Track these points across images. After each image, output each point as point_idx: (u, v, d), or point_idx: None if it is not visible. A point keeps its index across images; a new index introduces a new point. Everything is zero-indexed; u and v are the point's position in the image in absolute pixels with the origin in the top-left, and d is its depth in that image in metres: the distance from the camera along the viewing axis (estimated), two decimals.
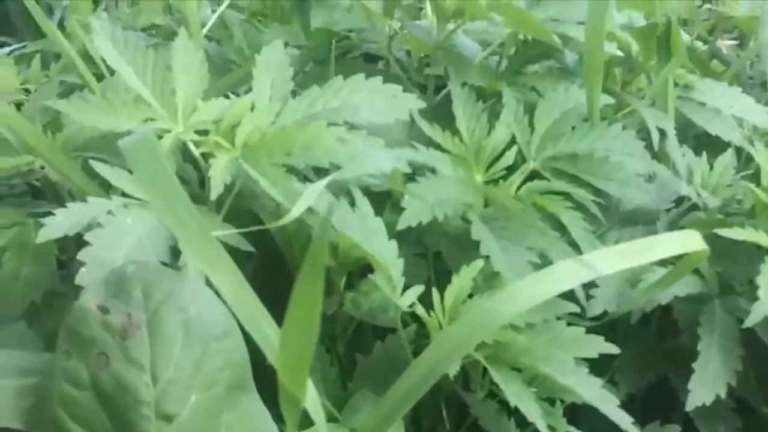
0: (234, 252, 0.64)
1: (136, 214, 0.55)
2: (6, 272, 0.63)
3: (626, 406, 0.56)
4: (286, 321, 0.40)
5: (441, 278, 0.62)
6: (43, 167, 0.65)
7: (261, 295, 0.46)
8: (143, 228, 0.55)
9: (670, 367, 0.69)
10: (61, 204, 0.56)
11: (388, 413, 0.50)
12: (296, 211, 0.51)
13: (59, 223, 0.53)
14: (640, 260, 0.52)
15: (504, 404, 0.60)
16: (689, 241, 0.54)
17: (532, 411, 0.53)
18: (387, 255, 0.55)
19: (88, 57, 0.75)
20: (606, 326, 0.63)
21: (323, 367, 0.61)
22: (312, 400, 0.42)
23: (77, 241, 0.55)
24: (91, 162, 0.57)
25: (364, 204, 0.57)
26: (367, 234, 0.55)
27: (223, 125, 0.61)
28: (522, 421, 0.58)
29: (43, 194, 0.72)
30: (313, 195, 0.52)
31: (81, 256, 0.51)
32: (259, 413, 0.51)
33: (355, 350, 0.66)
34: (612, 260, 0.51)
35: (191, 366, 0.49)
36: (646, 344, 0.70)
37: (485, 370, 0.60)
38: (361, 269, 0.64)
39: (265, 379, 0.51)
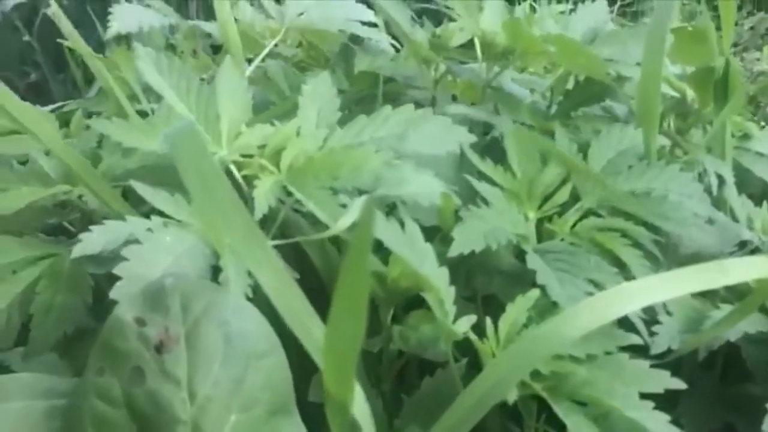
0: None
1: (176, 233, 0.53)
2: (39, 302, 0.60)
3: None
4: (330, 317, 0.37)
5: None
6: (81, 196, 0.63)
7: None
8: (182, 246, 0.52)
9: (736, 414, 0.64)
10: None
11: None
12: (343, 223, 0.49)
13: (95, 239, 0.51)
14: (709, 284, 0.49)
15: None
16: (762, 267, 0.50)
17: None
18: (439, 280, 0.52)
19: (131, 97, 0.74)
20: (669, 367, 0.58)
21: (367, 394, 0.57)
22: (360, 407, 0.39)
23: (110, 279, 0.52)
24: (132, 182, 0.55)
25: (413, 227, 0.54)
26: (419, 257, 0.52)
27: (267, 150, 0.59)
28: None
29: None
30: (359, 208, 0.49)
31: (117, 270, 0.49)
32: None
33: (400, 391, 0.62)
34: (678, 283, 0.48)
35: (231, 383, 0.45)
36: (712, 388, 0.66)
37: (540, 409, 0.57)
38: (408, 304, 0.61)
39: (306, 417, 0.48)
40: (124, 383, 0.45)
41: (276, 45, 0.87)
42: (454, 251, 0.56)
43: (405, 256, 0.50)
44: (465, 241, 0.56)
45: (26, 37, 1.47)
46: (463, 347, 0.58)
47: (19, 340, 0.62)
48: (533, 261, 0.58)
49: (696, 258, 0.71)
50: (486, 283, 0.66)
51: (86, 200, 0.63)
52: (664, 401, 0.54)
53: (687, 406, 0.61)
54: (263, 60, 0.82)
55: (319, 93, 0.64)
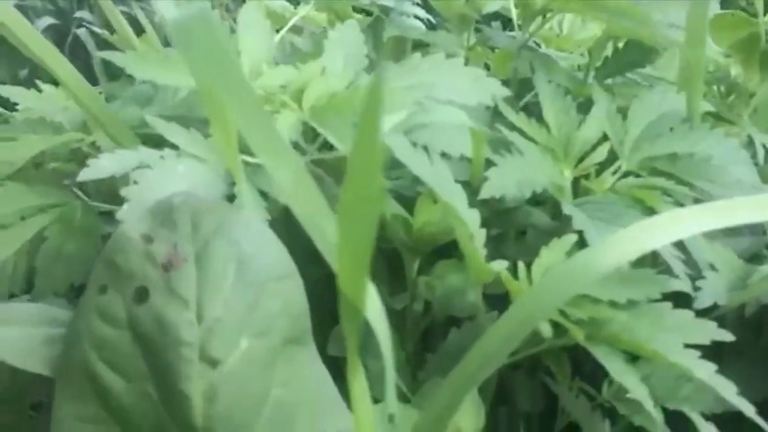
0: None
1: (190, 164, 0.50)
2: (47, 248, 0.57)
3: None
4: (340, 205, 0.33)
5: None
6: (94, 143, 0.60)
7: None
8: (196, 176, 0.49)
9: None
10: None
11: (466, 381, 0.43)
12: None
13: (103, 164, 0.48)
14: (756, 216, 0.45)
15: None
16: None
17: (637, 388, 0.45)
18: (469, 217, 0.48)
19: None
20: None
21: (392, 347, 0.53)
22: (373, 308, 0.35)
23: None
24: (146, 116, 0.52)
25: (442, 164, 0.50)
26: (447, 189, 0.48)
27: (290, 89, 0.56)
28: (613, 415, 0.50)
29: None
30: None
31: (125, 192, 0.45)
32: (318, 372, 0.44)
33: (425, 351, 0.58)
34: (723, 214, 0.44)
35: (243, 306, 0.42)
36: (759, 354, 0.61)
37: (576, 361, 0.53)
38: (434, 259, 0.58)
39: None
40: (127, 303, 0.42)
41: (302, 20, 0.85)
42: (485, 193, 0.52)
43: (431, 183, 0.47)
44: (498, 184, 0.53)
45: None
46: (492, 302, 0.55)
47: (27, 290, 0.59)
48: (569, 208, 0.54)
49: (739, 226, 0.67)
50: (517, 245, 0.62)
51: (100, 146, 0.60)
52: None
53: (731, 371, 0.57)
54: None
55: (347, 38, 0.61)
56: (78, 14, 1.43)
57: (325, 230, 0.35)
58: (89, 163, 0.48)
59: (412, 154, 0.47)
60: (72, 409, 0.42)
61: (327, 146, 0.55)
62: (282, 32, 0.79)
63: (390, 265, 0.62)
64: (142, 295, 0.42)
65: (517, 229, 0.62)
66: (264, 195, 0.52)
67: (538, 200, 0.64)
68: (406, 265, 0.56)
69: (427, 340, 0.60)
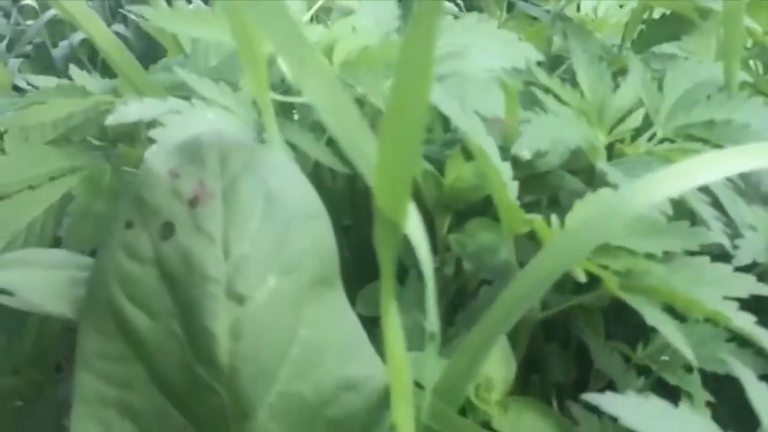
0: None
1: (220, 113, 0.49)
2: (75, 206, 0.57)
3: None
4: (384, 121, 0.32)
5: None
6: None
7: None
8: (226, 125, 0.48)
9: None
10: None
11: (497, 325, 0.41)
12: None
13: (131, 110, 0.47)
14: None
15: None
16: None
17: (672, 333, 0.44)
18: (502, 168, 0.47)
19: None
20: None
21: (418, 296, 0.52)
22: (413, 226, 0.34)
23: None
24: (174, 68, 0.52)
25: (474, 118, 0.50)
26: (481, 138, 0.47)
27: (321, 45, 0.55)
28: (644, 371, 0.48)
29: None
30: None
31: (152, 133, 0.45)
32: (346, 314, 0.43)
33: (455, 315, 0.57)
34: (752, 157, 0.43)
35: (270, 243, 0.41)
36: None
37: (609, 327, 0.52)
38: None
39: None
40: (153, 239, 0.41)
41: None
42: (518, 148, 0.51)
43: (463, 126, 0.46)
44: (532, 139, 0.52)
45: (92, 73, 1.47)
46: (524, 259, 0.53)
47: None
48: (603, 165, 0.53)
49: None
50: (551, 211, 0.61)
51: None
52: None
53: None
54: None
55: (378, 3, 0.60)
56: (114, 28, 1.44)
57: (364, 149, 0.34)
58: (116, 109, 0.47)
59: (444, 98, 0.46)
60: (96, 347, 0.41)
61: (357, 103, 0.54)
62: (312, 11, 0.79)
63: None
64: (168, 231, 0.41)
65: (550, 195, 0.61)
66: (293, 148, 0.52)
67: (571, 169, 0.63)
68: (436, 223, 0.55)
69: (458, 304, 0.59)
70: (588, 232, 0.41)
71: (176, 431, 0.41)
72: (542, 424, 0.46)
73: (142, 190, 0.42)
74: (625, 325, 0.57)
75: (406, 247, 0.55)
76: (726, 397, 0.53)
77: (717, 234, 0.49)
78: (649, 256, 0.48)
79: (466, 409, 0.46)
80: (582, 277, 0.44)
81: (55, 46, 1.46)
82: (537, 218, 0.46)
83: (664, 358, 0.53)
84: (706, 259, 0.48)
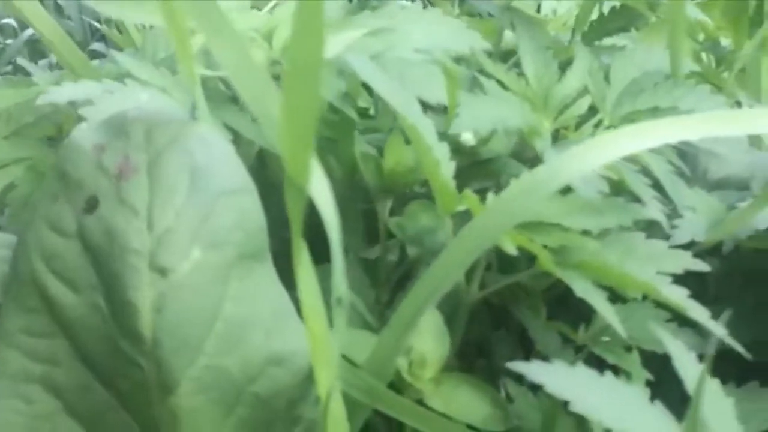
0: None
1: (155, 94, 0.49)
2: (17, 195, 0.57)
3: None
4: (285, 82, 0.32)
5: None
6: None
7: None
8: (160, 105, 0.48)
9: (764, 329, 0.58)
10: None
11: (426, 296, 0.41)
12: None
13: (63, 91, 0.47)
14: (736, 130, 0.44)
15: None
16: None
17: (603, 306, 0.44)
18: (438, 147, 0.47)
19: None
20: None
21: (362, 288, 0.52)
22: (319, 187, 0.34)
23: None
24: (112, 52, 0.52)
25: (411, 97, 0.49)
26: (413, 115, 0.47)
27: (262, 31, 0.55)
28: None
29: None
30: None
31: (82, 111, 0.45)
32: (274, 289, 0.43)
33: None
34: (699, 125, 0.43)
35: (195, 216, 0.41)
36: (738, 301, 0.59)
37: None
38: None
39: None
40: (77, 212, 0.41)
41: None
42: (455, 128, 0.51)
43: (397, 106, 0.45)
44: (470, 119, 0.52)
45: None
46: None
47: None
48: (543, 147, 0.53)
49: (724, 184, 0.66)
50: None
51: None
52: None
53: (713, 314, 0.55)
54: None
55: None
56: (93, 47, 1.45)
57: (270, 111, 0.34)
58: (49, 90, 0.47)
59: (375, 72, 0.46)
60: (20, 322, 0.41)
61: None
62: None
63: (366, 217, 0.61)
64: (92, 204, 0.41)
65: (497, 183, 0.61)
66: (235, 135, 0.52)
67: (519, 159, 0.63)
68: (378, 208, 0.55)
69: (402, 290, 0.59)
70: (514, 203, 0.41)
71: (101, 406, 0.41)
72: (476, 401, 0.46)
73: (67, 164, 0.41)
74: (570, 310, 0.57)
75: (345, 230, 0.55)
76: (667, 378, 0.53)
77: (652, 210, 0.49)
78: (585, 234, 0.48)
79: (400, 387, 0.46)
80: (512, 250, 0.44)
81: (35, 64, 1.46)
82: (470, 194, 0.46)
83: (605, 338, 0.53)
84: (641, 235, 0.48)
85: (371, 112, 0.66)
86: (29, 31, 1.48)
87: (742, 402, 0.51)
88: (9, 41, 1.58)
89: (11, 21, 1.65)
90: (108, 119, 0.42)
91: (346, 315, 0.35)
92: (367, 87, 0.62)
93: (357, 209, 0.59)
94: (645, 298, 0.53)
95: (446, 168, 0.48)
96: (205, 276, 0.41)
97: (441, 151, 0.48)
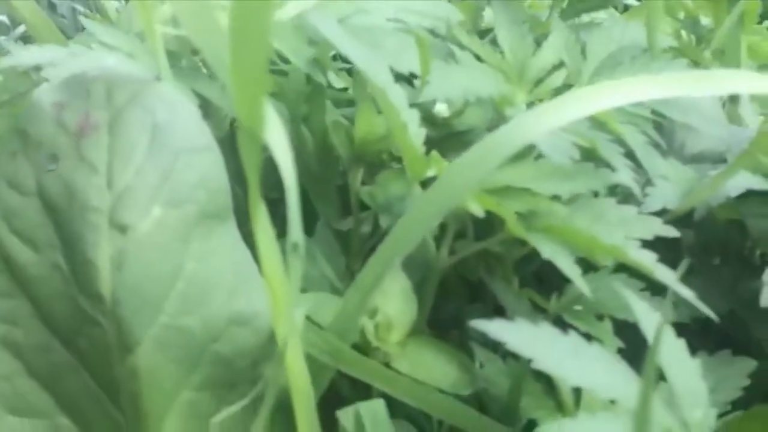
0: None
1: (122, 59, 0.48)
2: None
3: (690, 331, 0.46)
4: (230, 23, 0.32)
5: None
6: None
7: None
8: (126, 68, 0.48)
9: (739, 300, 0.57)
10: None
11: (391, 254, 0.41)
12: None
13: (29, 55, 0.47)
14: (694, 91, 0.43)
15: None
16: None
17: (569, 267, 0.43)
18: (406, 114, 0.47)
19: None
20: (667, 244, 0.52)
21: (332, 256, 0.52)
22: (275, 134, 0.34)
23: None
24: (80, 18, 0.51)
25: (381, 60, 0.49)
26: (381, 78, 0.47)
27: None
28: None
29: None
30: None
31: (45, 72, 0.44)
32: (237, 249, 0.42)
33: None
34: (664, 85, 0.43)
35: (156, 174, 0.41)
36: (711, 271, 0.59)
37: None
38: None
39: None
40: (37, 170, 0.41)
41: None
42: (425, 96, 0.51)
43: (363, 66, 0.45)
44: (441, 87, 0.51)
45: None
46: None
47: None
48: (513, 113, 0.52)
49: (700, 158, 0.65)
50: None
51: None
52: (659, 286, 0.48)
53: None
54: None
55: None
56: None
57: (219, 50, 0.34)
58: (14, 53, 0.47)
59: (340, 32, 0.46)
60: None
61: None
62: None
63: (341, 192, 0.60)
64: (52, 162, 0.40)
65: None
66: (207, 107, 0.51)
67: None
68: (350, 177, 0.54)
69: None
70: (478, 163, 0.41)
71: (61, 367, 0.41)
72: (443, 364, 0.46)
73: (27, 122, 0.41)
74: (543, 283, 0.57)
75: (318, 200, 0.55)
76: (639, 347, 0.53)
77: (623, 175, 0.48)
78: (555, 199, 0.47)
79: (366, 351, 0.46)
80: (479, 212, 0.44)
81: None
82: (437, 157, 0.46)
83: (577, 308, 0.52)
84: (612, 200, 0.48)
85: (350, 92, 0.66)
86: (21, 28, 1.48)
87: (715, 370, 0.51)
88: (2, 38, 1.57)
89: (4, 18, 1.65)
90: (69, 78, 0.42)
91: (302, 262, 0.35)
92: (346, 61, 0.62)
93: (330, 179, 0.59)
94: (618, 270, 0.52)
95: (415, 132, 0.48)
96: (165, 234, 0.40)
97: (410, 116, 0.48)
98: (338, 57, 0.64)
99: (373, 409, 0.38)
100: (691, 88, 0.43)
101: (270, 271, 0.36)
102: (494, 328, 0.37)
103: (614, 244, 0.43)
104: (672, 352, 0.39)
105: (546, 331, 0.38)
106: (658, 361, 0.38)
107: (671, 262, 0.46)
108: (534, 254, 0.55)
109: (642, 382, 0.33)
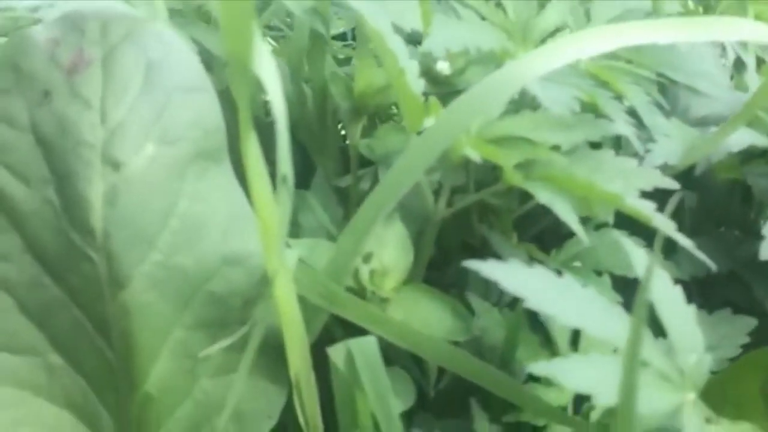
0: None
1: (117, 3, 0.48)
2: None
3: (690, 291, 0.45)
4: None
5: None
6: None
7: None
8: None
9: (740, 261, 0.57)
10: None
11: (385, 196, 0.41)
12: None
13: None
14: (689, 36, 0.43)
15: None
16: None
17: (566, 214, 0.43)
18: (404, 61, 0.46)
19: None
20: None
21: (330, 205, 0.52)
22: (265, 65, 0.33)
23: None
24: None
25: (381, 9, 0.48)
26: (381, 27, 0.46)
27: None
28: None
29: None
30: None
31: (41, 13, 0.44)
32: (231, 190, 0.42)
33: None
34: (660, 29, 0.42)
35: (150, 111, 0.40)
36: (714, 232, 0.59)
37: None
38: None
39: None
40: (30, 106, 0.40)
41: None
42: (428, 46, 0.50)
43: (363, 12, 0.45)
44: (443, 39, 0.51)
45: None
46: None
47: None
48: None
49: (705, 122, 0.65)
50: None
51: None
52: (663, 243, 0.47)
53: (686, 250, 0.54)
54: None
55: None
56: None
57: None
58: None
59: None
60: None
61: None
62: None
63: (341, 151, 0.60)
64: (45, 97, 0.40)
65: None
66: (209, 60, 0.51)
67: None
68: (349, 131, 0.54)
69: None
70: (471, 105, 0.41)
71: (52, 303, 0.40)
72: (438, 311, 0.45)
73: (19, 57, 0.41)
74: (542, 242, 0.57)
75: (317, 152, 0.54)
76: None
77: (622, 127, 0.48)
78: (555, 149, 0.47)
79: (361, 297, 0.45)
80: (476, 157, 0.44)
81: None
82: (435, 102, 0.46)
83: (576, 263, 0.52)
84: (611, 152, 0.47)
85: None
86: None
87: (715, 328, 0.51)
88: None
89: None
90: (63, 15, 0.42)
91: (291, 193, 0.35)
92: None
93: (329, 133, 0.58)
94: (617, 226, 0.52)
95: (413, 80, 0.47)
96: (159, 171, 0.40)
97: (409, 65, 0.47)
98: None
99: (365, 346, 0.38)
100: (686, 34, 0.43)
101: (261, 207, 0.35)
102: (488, 268, 0.36)
103: (612, 191, 0.43)
104: (667, 298, 0.39)
105: (540, 272, 0.37)
106: (656, 309, 0.38)
107: (673, 222, 0.45)
108: (534, 213, 0.54)
109: (633, 319, 0.32)
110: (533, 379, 0.46)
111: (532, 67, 0.41)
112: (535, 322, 0.47)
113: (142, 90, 0.40)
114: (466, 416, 0.48)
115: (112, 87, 0.40)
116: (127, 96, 0.40)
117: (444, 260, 0.57)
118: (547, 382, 0.45)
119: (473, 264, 0.36)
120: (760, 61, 0.71)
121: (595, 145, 0.49)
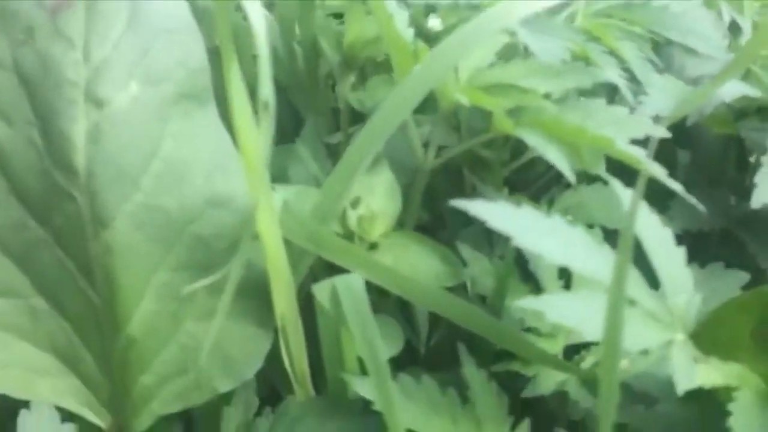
0: None
1: None
2: None
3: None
4: None
5: None
6: None
7: None
8: None
9: (734, 218, 0.56)
10: None
11: (373, 136, 0.40)
12: None
13: None
14: None
15: None
16: None
17: (557, 158, 0.42)
18: (398, 16, 0.46)
19: None
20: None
21: (318, 156, 0.51)
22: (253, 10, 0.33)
23: None
24: None
25: None
26: None
27: None
28: None
29: None
30: None
31: None
32: (216, 132, 0.42)
33: None
34: None
35: (134, 50, 0.40)
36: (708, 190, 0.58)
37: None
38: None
39: None
40: (12, 44, 0.40)
41: None
42: None
43: None
44: None
45: None
46: None
47: None
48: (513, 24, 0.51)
49: (699, 82, 0.64)
50: None
51: None
52: (657, 199, 0.47)
53: (679, 205, 0.54)
54: None
55: None
56: None
57: None
58: None
59: None
60: None
61: None
62: None
63: (333, 112, 0.60)
64: (28, 36, 0.40)
65: None
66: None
67: None
68: (338, 82, 0.54)
69: None
70: (455, 46, 0.40)
71: (35, 244, 0.40)
72: (427, 257, 0.45)
73: None
74: (535, 198, 0.56)
75: (308, 107, 0.54)
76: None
77: (609, 73, 0.47)
78: (546, 97, 0.46)
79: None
80: (465, 102, 0.43)
81: None
82: (424, 48, 0.45)
83: (568, 217, 0.51)
84: (602, 101, 0.47)
85: None
86: None
87: (708, 281, 0.50)
88: None
89: None
90: None
91: (272, 120, 0.34)
92: None
93: (318, 86, 0.58)
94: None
95: (403, 27, 0.47)
96: (143, 111, 0.40)
97: (399, 13, 0.47)
98: None
99: (351, 283, 0.37)
100: None
101: (244, 140, 0.35)
102: (475, 206, 0.36)
103: (603, 135, 0.42)
104: (657, 240, 0.38)
105: (528, 211, 0.37)
106: (644, 249, 0.37)
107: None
108: (525, 170, 0.54)
109: (618, 252, 0.32)
110: (524, 330, 0.45)
111: (514, 10, 0.40)
112: (526, 272, 0.47)
113: (127, 29, 0.40)
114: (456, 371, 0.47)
115: (95, 25, 0.40)
116: (111, 34, 0.39)
117: (435, 217, 0.57)
118: (537, 332, 0.45)
119: (461, 203, 0.35)
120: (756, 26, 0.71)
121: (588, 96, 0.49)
